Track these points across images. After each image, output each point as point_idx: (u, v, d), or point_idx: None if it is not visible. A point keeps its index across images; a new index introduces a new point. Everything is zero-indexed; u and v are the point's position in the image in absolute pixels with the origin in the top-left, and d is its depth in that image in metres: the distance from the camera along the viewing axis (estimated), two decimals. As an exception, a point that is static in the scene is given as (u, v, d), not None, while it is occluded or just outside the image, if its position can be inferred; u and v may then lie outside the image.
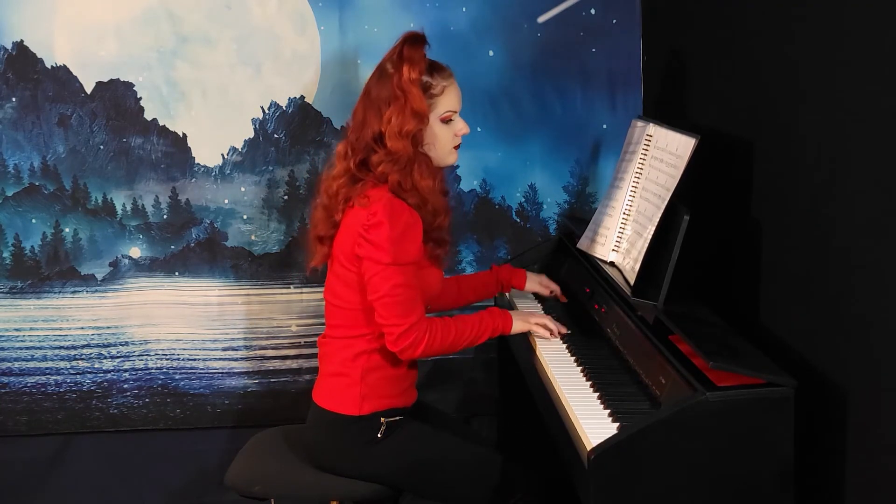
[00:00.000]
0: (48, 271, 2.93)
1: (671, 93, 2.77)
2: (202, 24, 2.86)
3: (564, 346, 2.33)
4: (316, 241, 2.32)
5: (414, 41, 2.18)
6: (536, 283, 2.63)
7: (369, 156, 2.18)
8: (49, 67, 2.83)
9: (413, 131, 2.15)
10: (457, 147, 2.27)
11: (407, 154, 2.15)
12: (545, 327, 2.35)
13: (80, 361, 2.98)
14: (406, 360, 2.25)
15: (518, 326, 2.33)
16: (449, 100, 2.21)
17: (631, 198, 2.40)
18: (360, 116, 2.21)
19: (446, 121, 2.22)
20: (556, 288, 2.63)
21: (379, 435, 2.21)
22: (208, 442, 3.04)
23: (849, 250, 1.79)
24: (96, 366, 2.98)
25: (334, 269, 2.26)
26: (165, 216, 2.95)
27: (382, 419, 2.21)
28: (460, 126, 2.25)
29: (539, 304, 2.64)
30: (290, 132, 2.93)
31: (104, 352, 2.98)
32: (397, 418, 2.23)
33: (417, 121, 2.16)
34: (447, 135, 2.23)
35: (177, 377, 3.01)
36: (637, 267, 2.24)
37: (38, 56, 2.83)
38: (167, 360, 3.00)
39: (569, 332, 2.37)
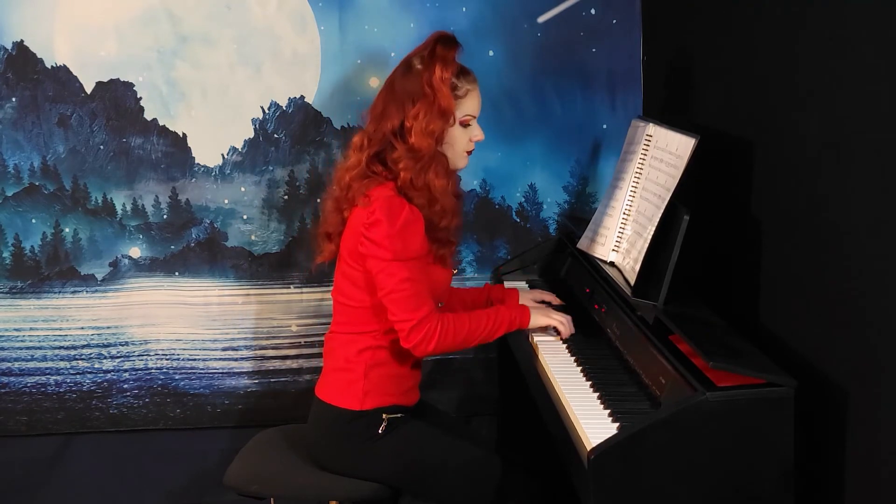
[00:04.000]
0: (48, 271, 2.93)
1: (671, 93, 2.77)
2: (202, 24, 2.86)
3: (564, 346, 2.33)
4: (324, 238, 2.34)
5: (447, 42, 2.21)
6: (529, 299, 2.59)
7: (386, 149, 2.20)
8: (49, 67, 2.83)
9: (438, 131, 2.17)
10: (469, 152, 2.28)
11: (429, 151, 2.17)
12: (562, 323, 2.34)
13: (80, 361, 2.98)
14: (411, 359, 2.25)
15: (537, 320, 2.33)
16: (471, 104, 2.24)
17: (631, 198, 2.40)
18: (381, 109, 2.22)
19: (465, 124, 2.24)
20: (549, 298, 2.60)
21: (380, 431, 2.21)
22: (208, 442, 3.04)
23: (849, 250, 1.80)
24: (96, 366, 2.98)
25: (341, 268, 2.27)
26: (165, 216, 2.95)
27: (384, 415, 2.21)
28: (476, 132, 2.27)
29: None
30: (290, 132, 2.93)
31: (104, 352, 2.98)
32: (399, 415, 2.24)
33: (444, 120, 2.18)
34: (463, 138, 2.25)
35: (177, 377, 3.01)
36: (637, 267, 2.24)
37: (38, 56, 2.82)
38: (167, 360, 3.00)
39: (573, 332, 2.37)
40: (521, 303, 2.57)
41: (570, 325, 2.36)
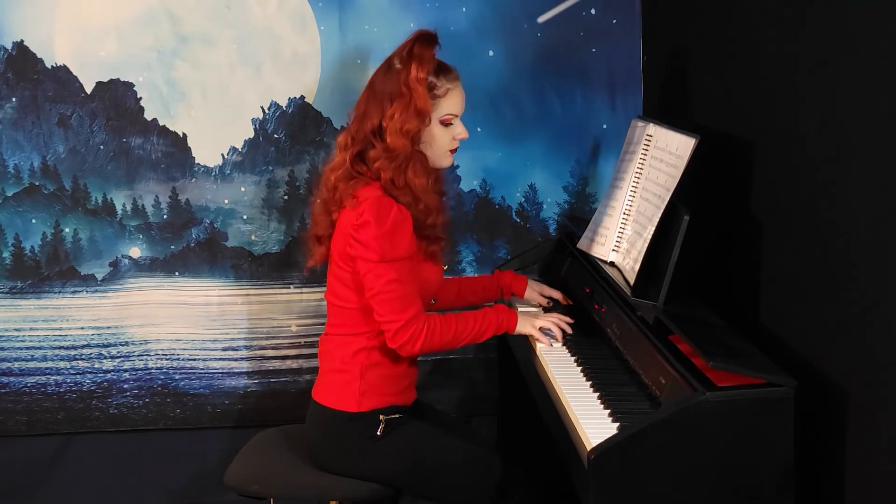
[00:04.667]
0: (48, 271, 2.93)
1: (671, 92, 2.77)
2: (202, 24, 2.86)
3: (564, 346, 2.33)
4: (314, 241, 2.33)
5: (425, 40, 2.19)
6: (536, 292, 2.62)
7: (367, 149, 2.19)
8: (49, 67, 2.83)
9: (414, 130, 2.16)
10: (453, 151, 2.27)
11: (405, 151, 2.16)
12: (548, 332, 2.34)
13: (80, 361, 2.98)
14: (406, 359, 2.25)
15: (522, 328, 2.32)
16: (451, 103, 2.22)
17: (631, 198, 2.40)
18: (363, 108, 2.22)
19: (446, 123, 2.22)
20: (557, 296, 2.61)
21: (378, 433, 2.21)
22: (208, 442, 3.04)
23: (849, 250, 1.79)
24: (96, 366, 2.98)
25: (333, 270, 2.27)
26: (165, 216, 2.95)
27: (381, 416, 2.21)
28: (459, 130, 2.25)
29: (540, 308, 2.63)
30: (290, 132, 2.93)
31: (104, 352, 2.98)
32: (396, 416, 2.24)
33: (419, 120, 2.16)
34: (445, 137, 2.23)
35: (177, 377, 3.01)
36: (637, 267, 2.24)
37: (38, 56, 2.82)
38: (167, 360, 3.00)
39: (570, 332, 2.37)
40: (526, 295, 2.61)
41: (559, 329, 2.34)
